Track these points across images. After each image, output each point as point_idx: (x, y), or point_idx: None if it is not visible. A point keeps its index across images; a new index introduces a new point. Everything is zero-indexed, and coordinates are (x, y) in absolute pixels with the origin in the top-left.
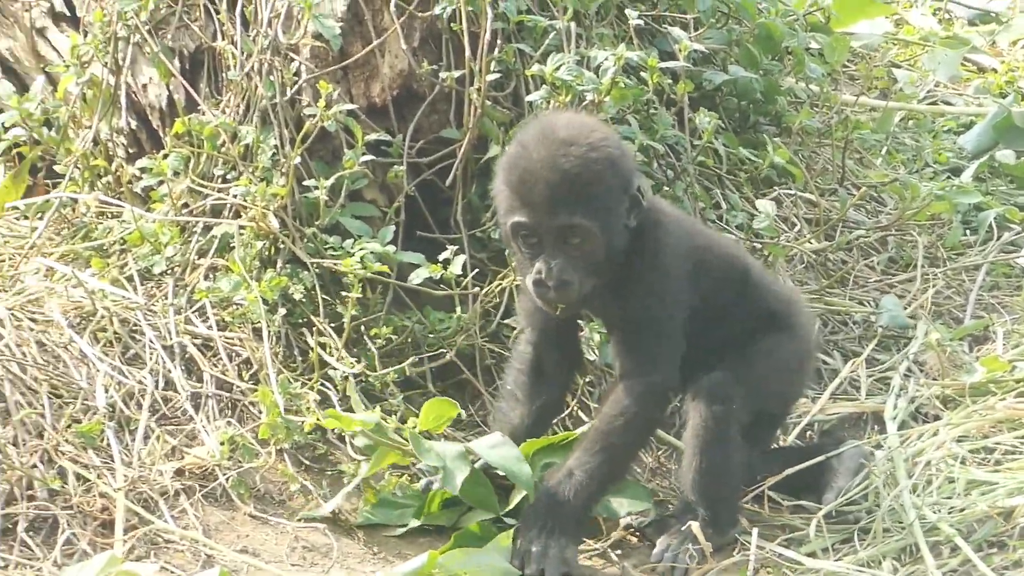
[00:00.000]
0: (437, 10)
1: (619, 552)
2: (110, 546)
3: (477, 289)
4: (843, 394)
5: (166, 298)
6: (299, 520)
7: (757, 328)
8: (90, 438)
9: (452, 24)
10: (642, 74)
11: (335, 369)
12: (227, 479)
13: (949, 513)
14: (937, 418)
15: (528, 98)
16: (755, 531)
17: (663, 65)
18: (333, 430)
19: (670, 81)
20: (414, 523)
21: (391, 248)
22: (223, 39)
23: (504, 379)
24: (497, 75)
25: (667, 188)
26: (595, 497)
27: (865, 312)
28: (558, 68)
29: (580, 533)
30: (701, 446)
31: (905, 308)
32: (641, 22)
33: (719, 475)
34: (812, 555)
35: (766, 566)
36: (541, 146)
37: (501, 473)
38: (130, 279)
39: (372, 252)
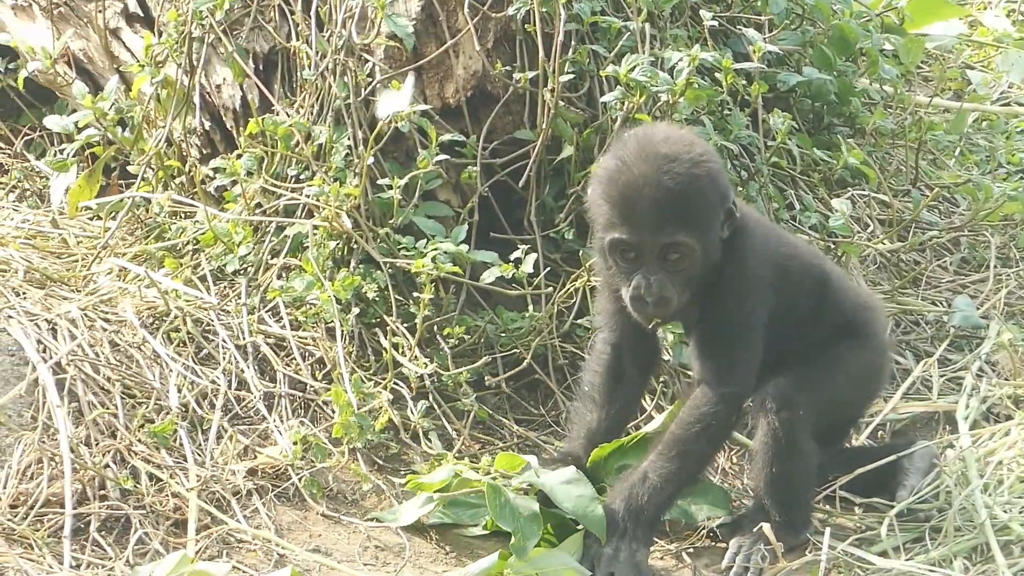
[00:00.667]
0: (511, 11)
1: (691, 552)
2: (182, 546)
3: (550, 289)
4: (915, 394)
5: (239, 298)
6: (371, 520)
7: (834, 335)
8: (163, 438)
9: (526, 25)
10: (716, 75)
11: (408, 369)
12: (299, 479)
13: (1020, 512)
14: (1009, 418)
15: (602, 99)
16: (827, 531)
17: (737, 66)
18: (407, 429)
19: (744, 82)
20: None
21: (464, 248)
22: (297, 39)
23: (581, 380)
24: (571, 76)
25: (741, 188)
26: (669, 502)
27: (938, 312)
28: (632, 69)
29: (652, 537)
30: (771, 453)
31: (978, 308)
32: (716, 23)
33: (790, 480)
34: (883, 554)
35: (837, 566)
36: (642, 162)
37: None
38: (203, 279)
39: (445, 252)
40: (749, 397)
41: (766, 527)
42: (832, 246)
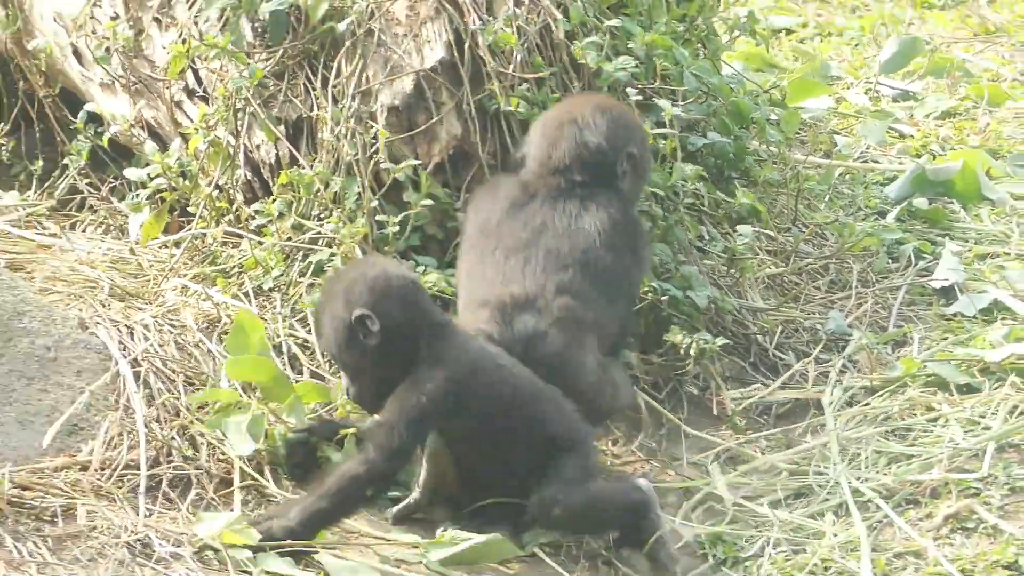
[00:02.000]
0: (482, 95)
1: None
2: (230, 499)
3: None
4: (794, 384)
5: (274, 309)
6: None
7: None
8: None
9: (493, 104)
10: None
11: None
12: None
13: (875, 476)
14: (866, 404)
15: None
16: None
17: (656, 131)
18: None
19: (662, 141)
20: None
21: (449, 271)
22: (318, 110)
23: None
24: None
25: (663, 222)
26: None
27: (813, 321)
28: None
29: None
30: None
31: (845, 319)
32: (640, 97)
33: None
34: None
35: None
36: None
37: None
38: (246, 294)
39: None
40: None
41: None
42: (728, 267)
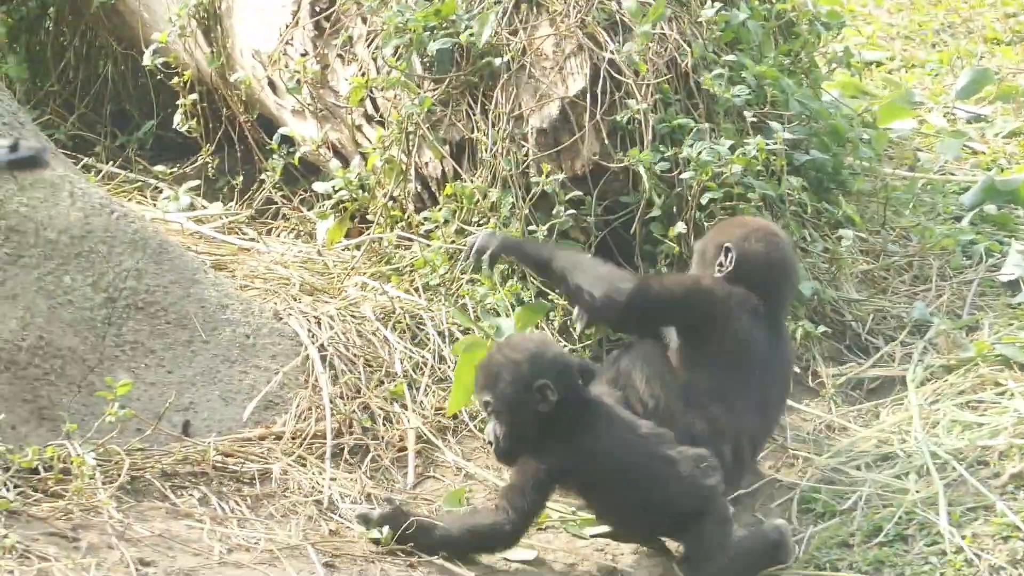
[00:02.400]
0: (618, 117)
1: None
2: (405, 464)
3: None
4: (883, 363)
5: (440, 300)
6: None
7: None
8: (396, 394)
9: (628, 125)
10: (755, 153)
11: None
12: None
13: (952, 441)
14: (944, 380)
15: (682, 176)
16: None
17: (768, 148)
18: None
19: (773, 157)
20: None
21: None
22: (477, 132)
23: None
24: (659, 157)
25: None
26: None
27: (900, 310)
28: (700, 152)
29: None
30: None
31: (926, 308)
32: (754, 119)
33: None
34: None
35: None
36: None
37: None
38: (416, 289)
39: None
40: None
41: None
42: (828, 264)
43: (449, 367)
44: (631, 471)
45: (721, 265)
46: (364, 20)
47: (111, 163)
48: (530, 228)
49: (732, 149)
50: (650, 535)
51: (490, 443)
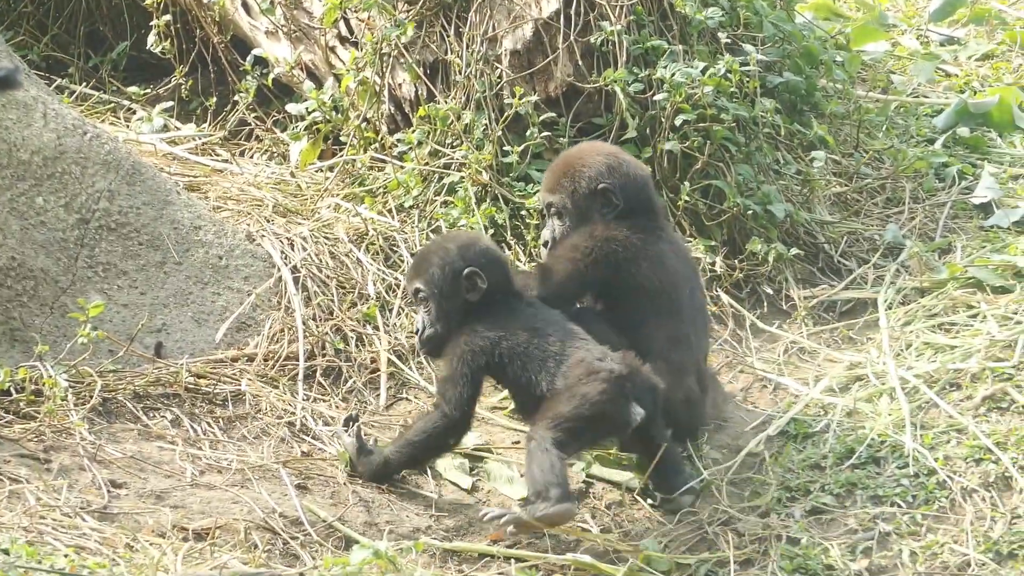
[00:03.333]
0: (592, 38)
1: None
2: (377, 386)
3: None
4: (855, 285)
5: (413, 223)
6: None
7: None
8: (369, 316)
9: (601, 47)
10: (728, 75)
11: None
12: None
13: (919, 366)
14: (916, 303)
15: (655, 97)
16: None
17: (742, 69)
18: None
19: (747, 78)
20: None
21: None
22: (451, 53)
23: None
24: (633, 79)
25: (745, 148)
26: None
27: (872, 232)
28: (673, 74)
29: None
30: None
31: (899, 231)
32: (728, 41)
33: None
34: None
35: None
36: None
37: None
38: (390, 211)
39: None
40: None
41: None
42: (801, 186)
43: None
44: (547, 351)
45: (608, 206)
46: None
47: (84, 84)
48: (504, 149)
49: (705, 71)
50: (586, 436)
51: (416, 331)
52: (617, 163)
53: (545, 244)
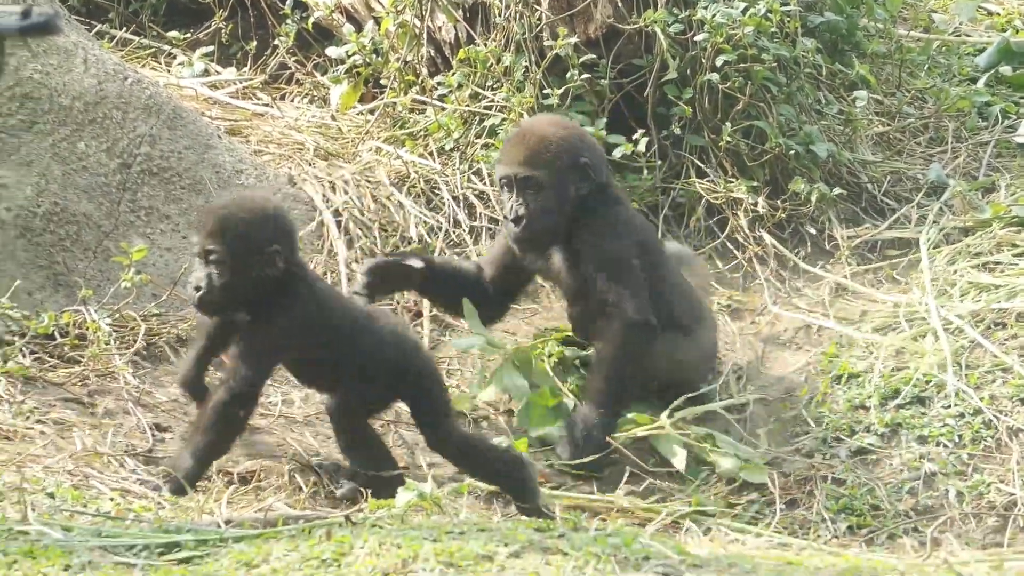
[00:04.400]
0: None
1: None
2: (421, 330)
3: (660, 161)
4: (898, 225)
5: (455, 165)
6: None
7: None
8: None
9: None
10: (769, 15)
11: None
12: None
13: (963, 306)
14: (960, 242)
15: (696, 38)
16: None
17: (782, 9)
18: None
19: (788, 18)
20: None
21: (603, 132)
22: None
23: None
24: (673, 19)
25: (786, 88)
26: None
27: (915, 171)
28: (714, 15)
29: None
30: None
31: (942, 170)
32: None
33: None
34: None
35: None
36: None
37: None
38: (431, 153)
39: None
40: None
41: None
42: (843, 126)
43: (465, 231)
44: (344, 331)
45: (585, 180)
46: None
47: (124, 29)
48: (544, 92)
49: (745, 11)
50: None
51: (196, 288)
52: (588, 138)
53: (516, 220)
